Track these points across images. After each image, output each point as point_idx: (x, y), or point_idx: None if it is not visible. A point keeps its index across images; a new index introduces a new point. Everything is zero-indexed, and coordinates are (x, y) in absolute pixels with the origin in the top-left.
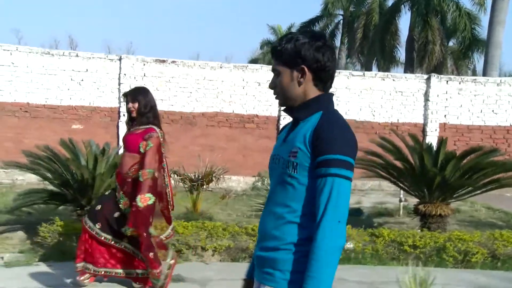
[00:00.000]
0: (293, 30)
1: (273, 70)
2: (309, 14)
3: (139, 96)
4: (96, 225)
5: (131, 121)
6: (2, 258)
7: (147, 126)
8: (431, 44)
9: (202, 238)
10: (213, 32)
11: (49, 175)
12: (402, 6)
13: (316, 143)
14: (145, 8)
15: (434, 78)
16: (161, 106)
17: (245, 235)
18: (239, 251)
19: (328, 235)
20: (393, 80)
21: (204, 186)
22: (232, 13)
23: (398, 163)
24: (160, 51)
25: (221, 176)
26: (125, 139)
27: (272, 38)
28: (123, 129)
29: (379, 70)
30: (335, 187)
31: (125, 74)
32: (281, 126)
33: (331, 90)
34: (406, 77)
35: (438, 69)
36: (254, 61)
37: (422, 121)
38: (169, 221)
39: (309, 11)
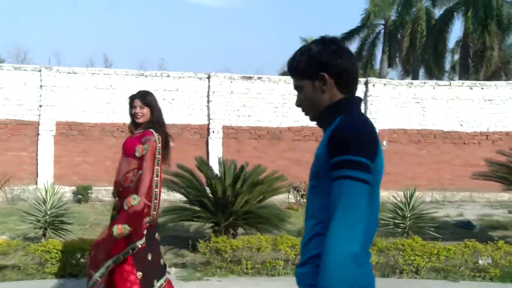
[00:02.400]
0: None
1: (296, 87)
2: (343, 25)
3: (151, 101)
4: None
5: (134, 126)
6: (169, 272)
7: (146, 129)
8: (489, 49)
9: None
10: (242, 45)
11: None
12: (455, 12)
13: (329, 147)
14: (175, 24)
15: None
16: (248, 122)
17: (394, 250)
18: (387, 266)
19: (335, 242)
20: (482, 88)
21: None
22: (261, 26)
23: None
24: (192, 66)
25: None
26: (124, 142)
27: None
28: (212, 146)
29: (429, 78)
30: (344, 189)
31: (213, 92)
32: None
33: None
34: (496, 85)
35: (497, 75)
36: (286, 74)
37: None
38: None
39: (342, 22)
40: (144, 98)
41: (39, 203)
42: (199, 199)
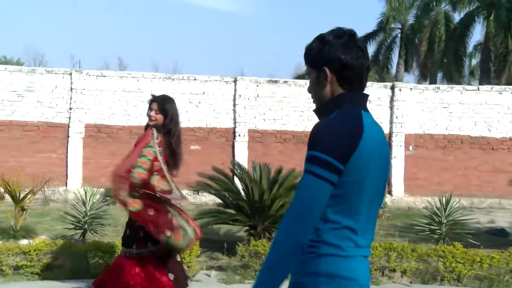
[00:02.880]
0: None
1: (307, 74)
2: (358, 29)
3: (168, 109)
4: (133, 246)
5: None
6: (209, 275)
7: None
8: None
9: (392, 259)
10: (256, 48)
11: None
12: (476, 16)
13: (308, 142)
14: (189, 27)
15: None
16: (273, 126)
17: (435, 257)
18: (427, 273)
19: (281, 230)
20: None
21: None
22: (274, 29)
23: None
24: (205, 69)
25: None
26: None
27: None
28: (238, 149)
29: (448, 83)
30: (301, 183)
31: (240, 96)
32: None
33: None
34: None
35: None
36: (300, 77)
37: None
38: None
39: (357, 26)
40: (163, 103)
41: (78, 204)
42: (235, 203)
